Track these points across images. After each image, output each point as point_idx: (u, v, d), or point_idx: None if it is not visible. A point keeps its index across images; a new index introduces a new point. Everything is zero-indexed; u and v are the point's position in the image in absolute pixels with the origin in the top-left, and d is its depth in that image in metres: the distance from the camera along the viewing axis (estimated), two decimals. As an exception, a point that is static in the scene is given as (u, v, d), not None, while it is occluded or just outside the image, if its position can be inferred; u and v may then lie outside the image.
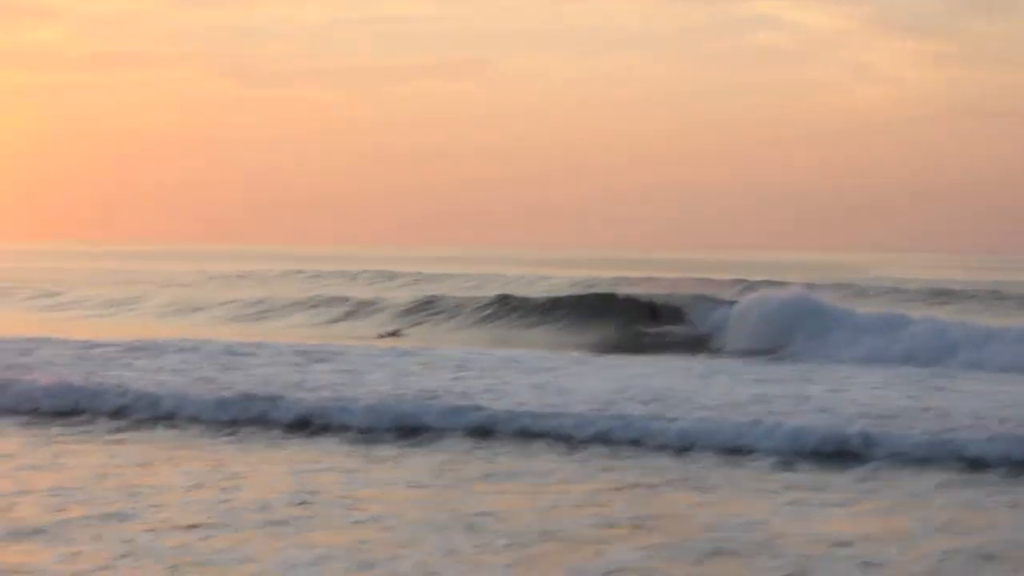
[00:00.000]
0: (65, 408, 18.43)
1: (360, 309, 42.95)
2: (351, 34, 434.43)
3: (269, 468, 14.33)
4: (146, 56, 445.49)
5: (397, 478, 13.78)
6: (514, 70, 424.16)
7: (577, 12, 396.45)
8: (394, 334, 37.15)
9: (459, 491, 12.97)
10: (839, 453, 15.53)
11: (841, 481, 14.04)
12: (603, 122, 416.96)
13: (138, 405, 18.38)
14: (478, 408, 17.68)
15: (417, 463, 14.77)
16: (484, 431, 16.78)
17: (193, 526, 11.04)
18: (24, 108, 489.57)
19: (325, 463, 14.66)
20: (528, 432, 16.63)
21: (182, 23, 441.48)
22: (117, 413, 18.18)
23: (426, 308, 41.63)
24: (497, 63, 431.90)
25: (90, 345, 26.00)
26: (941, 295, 50.44)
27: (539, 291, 48.80)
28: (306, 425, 17.41)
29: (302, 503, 12.18)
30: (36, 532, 10.71)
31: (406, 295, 46.74)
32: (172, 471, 13.93)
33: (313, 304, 44.80)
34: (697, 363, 26.39)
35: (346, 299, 45.59)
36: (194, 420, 17.83)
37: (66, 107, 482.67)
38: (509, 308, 40.13)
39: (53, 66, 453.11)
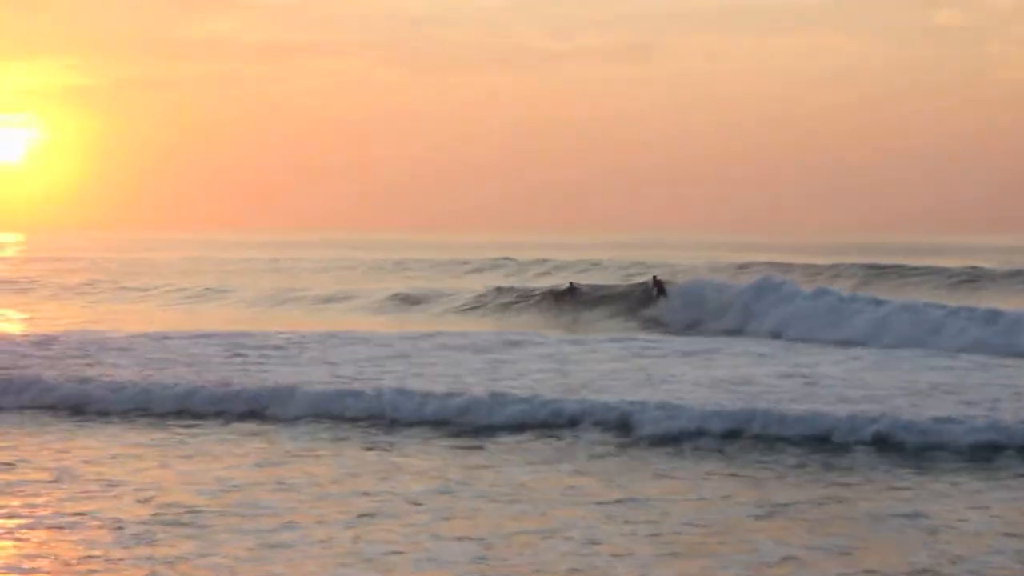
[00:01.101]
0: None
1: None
2: (525, 18, 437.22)
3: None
4: (320, 44, 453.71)
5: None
6: (689, 51, 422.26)
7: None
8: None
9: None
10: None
11: None
12: (782, 102, 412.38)
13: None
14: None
15: None
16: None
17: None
18: (200, 97, 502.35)
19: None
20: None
21: (356, 11, 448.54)
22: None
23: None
24: (672, 45, 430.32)
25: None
26: None
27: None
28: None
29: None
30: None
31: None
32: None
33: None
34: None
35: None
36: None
37: (241, 96, 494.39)
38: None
39: (229, 55, 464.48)
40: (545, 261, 69.72)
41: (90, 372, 22.74)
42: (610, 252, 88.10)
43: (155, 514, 12.73)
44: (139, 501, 13.34)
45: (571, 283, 45.53)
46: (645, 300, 40.27)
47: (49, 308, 45.02)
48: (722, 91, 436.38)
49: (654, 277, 42.08)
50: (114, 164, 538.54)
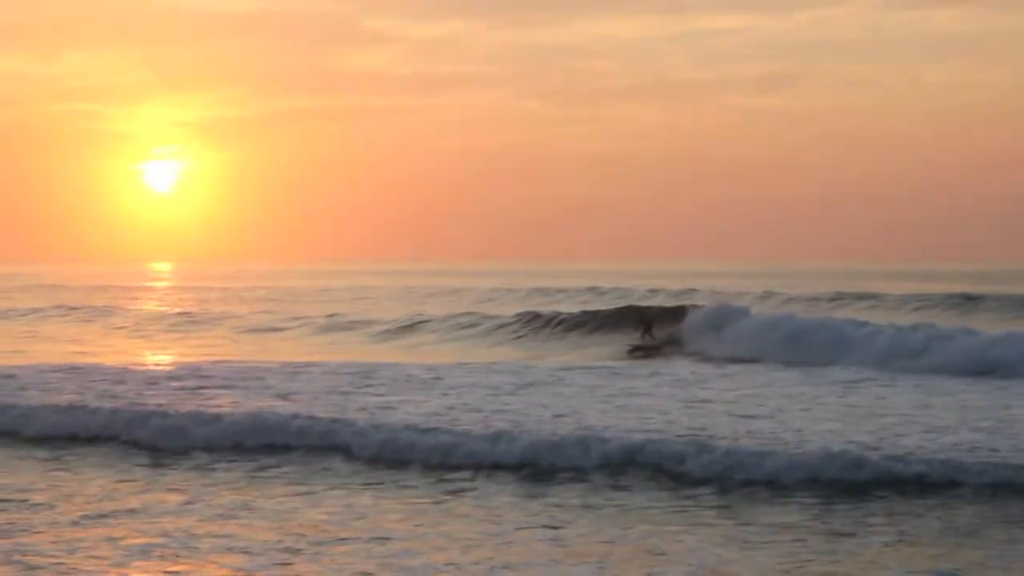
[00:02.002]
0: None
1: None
2: (666, 49, 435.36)
3: None
4: (469, 77, 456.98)
5: None
6: (832, 81, 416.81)
7: (897, 21, 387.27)
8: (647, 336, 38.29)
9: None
10: None
11: None
12: (932, 130, 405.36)
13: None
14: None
15: None
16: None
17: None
18: (350, 129, 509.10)
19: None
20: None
21: (502, 44, 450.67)
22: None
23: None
24: (814, 75, 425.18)
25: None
26: None
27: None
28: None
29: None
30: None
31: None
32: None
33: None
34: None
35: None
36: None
37: (392, 128, 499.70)
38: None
39: (379, 88, 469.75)
40: (693, 291, 66.03)
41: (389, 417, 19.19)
42: (745, 281, 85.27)
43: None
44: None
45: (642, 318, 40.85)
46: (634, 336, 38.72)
47: (275, 344, 41.91)
48: (869, 120, 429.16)
49: (642, 317, 40.15)
50: (264, 195, 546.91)
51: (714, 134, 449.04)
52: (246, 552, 11.23)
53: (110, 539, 11.74)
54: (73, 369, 26.42)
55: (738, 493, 14.08)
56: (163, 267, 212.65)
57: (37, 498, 13.80)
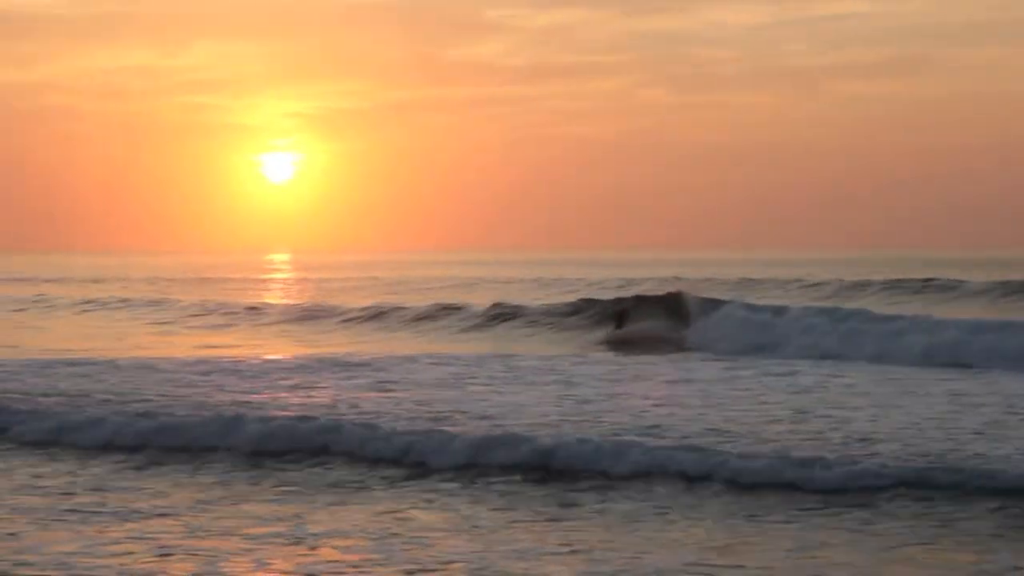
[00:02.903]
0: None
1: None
2: (785, 36, 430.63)
3: None
4: (584, 66, 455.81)
5: None
6: (958, 65, 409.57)
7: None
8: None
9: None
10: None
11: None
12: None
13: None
14: None
15: None
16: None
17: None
18: (466, 119, 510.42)
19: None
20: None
21: (620, 33, 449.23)
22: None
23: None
24: (938, 60, 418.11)
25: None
26: None
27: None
28: None
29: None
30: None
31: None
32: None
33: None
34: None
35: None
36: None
37: (508, 118, 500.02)
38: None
39: (497, 79, 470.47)
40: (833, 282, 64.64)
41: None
42: (859, 269, 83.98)
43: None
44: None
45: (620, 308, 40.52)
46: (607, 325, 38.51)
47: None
48: (997, 106, 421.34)
49: (623, 308, 39.75)
50: (379, 185, 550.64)
51: (834, 121, 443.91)
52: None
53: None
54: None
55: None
56: (281, 257, 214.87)
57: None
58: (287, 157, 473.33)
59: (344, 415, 19.26)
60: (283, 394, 22.65)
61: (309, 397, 22.06)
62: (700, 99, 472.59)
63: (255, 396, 22.18)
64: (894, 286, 58.02)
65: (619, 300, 43.14)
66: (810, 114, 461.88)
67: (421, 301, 52.41)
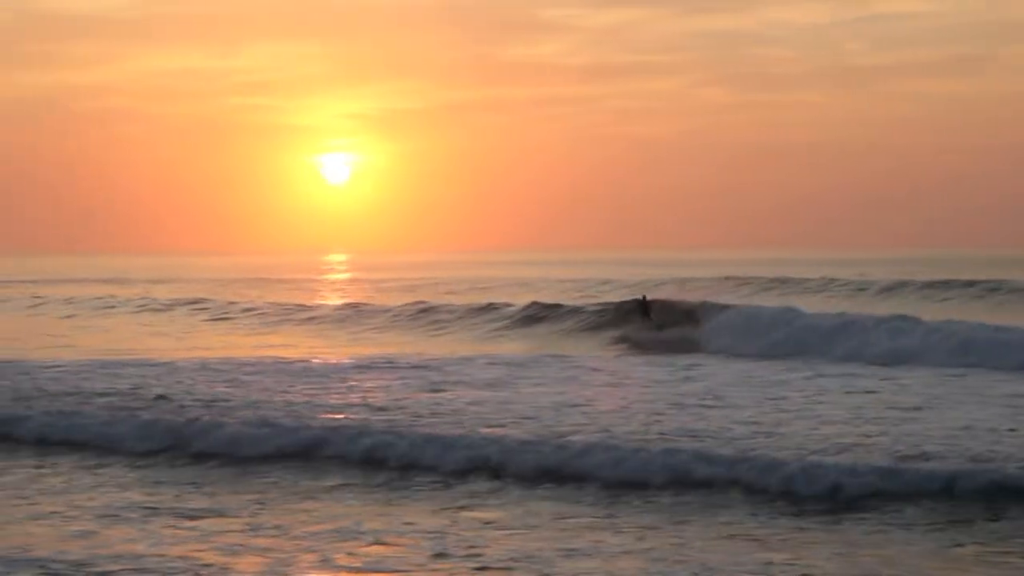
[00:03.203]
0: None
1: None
2: (845, 35, 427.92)
3: None
4: (642, 66, 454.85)
5: None
6: (1021, 64, 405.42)
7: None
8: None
9: None
10: None
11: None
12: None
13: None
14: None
15: None
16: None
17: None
18: (523, 119, 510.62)
19: None
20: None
21: (678, 32, 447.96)
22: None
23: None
24: (1001, 58, 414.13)
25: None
26: None
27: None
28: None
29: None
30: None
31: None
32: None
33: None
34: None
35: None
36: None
37: (566, 117, 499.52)
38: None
39: (555, 78, 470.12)
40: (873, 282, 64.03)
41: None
42: (909, 268, 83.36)
43: None
44: None
45: (644, 296, 41.16)
46: (631, 318, 39.03)
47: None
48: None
49: (643, 296, 40.45)
50: (436, 185, 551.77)
51: (894, 120, 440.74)
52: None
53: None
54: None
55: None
56: (339, 258, 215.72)
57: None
58: (344, 158, 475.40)
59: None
60: (366, 396, 22.98)
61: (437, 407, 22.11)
62: (758, 98, 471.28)
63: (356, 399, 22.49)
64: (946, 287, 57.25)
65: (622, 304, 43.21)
66: (870, 113, 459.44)
67: (475, 300, 52.63)
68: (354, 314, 50.02)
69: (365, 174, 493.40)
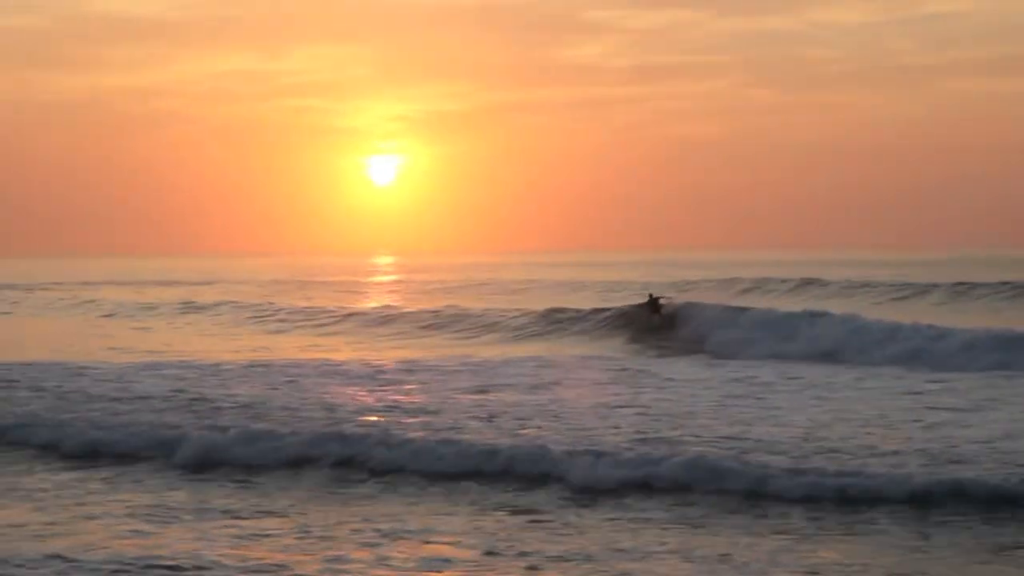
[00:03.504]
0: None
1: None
2: (891, 34, 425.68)
3: None
4: (687, 67, 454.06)
5: None
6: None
7: None
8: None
9: None
10: None
11: None
12: None
13: None
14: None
15: None
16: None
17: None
18: (567, 120, 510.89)
19: None
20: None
21: (723, 32, 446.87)
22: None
23: None
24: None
25: None
26: None
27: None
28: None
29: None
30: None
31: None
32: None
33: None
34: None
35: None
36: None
37: (610, 119, 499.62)
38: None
39: (600, 80, 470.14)
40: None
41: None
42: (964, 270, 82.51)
43: None
44: None
45: (651, 295, 41.07)
46: (642, 319, 39.29)
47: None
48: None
49: (650, 295, 40.56)
50: (482, 187, 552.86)
51: (943, 120, 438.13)
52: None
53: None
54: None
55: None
56: (385, 260, 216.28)
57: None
58: (391, 160, 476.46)
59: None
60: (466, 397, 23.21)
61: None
62: (805, 99, 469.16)
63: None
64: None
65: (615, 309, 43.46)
66: (918, 113, 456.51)
67: (527, 304, 52.06)
68: (396, 316, 49.77)
69: (410, 175, 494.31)
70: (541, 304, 50.23)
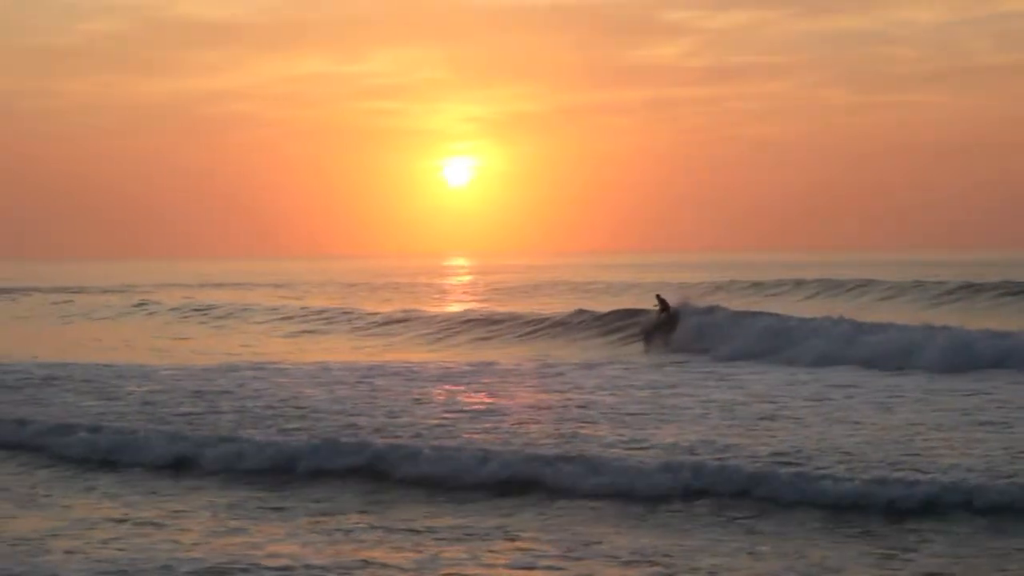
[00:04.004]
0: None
1: None
2: (969, 33, 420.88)
3: None
4: (762, 67, 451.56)
5: None
6: None
7: None
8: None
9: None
10: None
11: None
12: None
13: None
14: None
15: None
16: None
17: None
18: (643, 121, 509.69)
19: None
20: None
21: (800, 32, 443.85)
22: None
23: None
24: None
25: None
26: None
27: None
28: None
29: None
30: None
31: None
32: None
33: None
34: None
35: None
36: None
37: (684, 119, 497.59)
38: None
39: (672, 80, 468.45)
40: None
41: None
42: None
43: None
44: None
45: (658, 296, 40.82)
46: (651, 318, 39.67)
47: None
48: None
49: (658, 296, 40.51)
50: (557, 188, 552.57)
51: (1019, 119, 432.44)
52: None
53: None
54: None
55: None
56: (460, 262, 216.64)
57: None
58: (465, 161, 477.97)
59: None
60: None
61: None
62: (881, 99, 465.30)
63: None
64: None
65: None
66: (993, 112, 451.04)
67: (607, 305, 51.44)
68: (471, 321, 48.57)
69: (485, 177, 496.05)
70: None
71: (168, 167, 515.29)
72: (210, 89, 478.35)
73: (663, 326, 38.17)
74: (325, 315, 55.15)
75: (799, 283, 67.57)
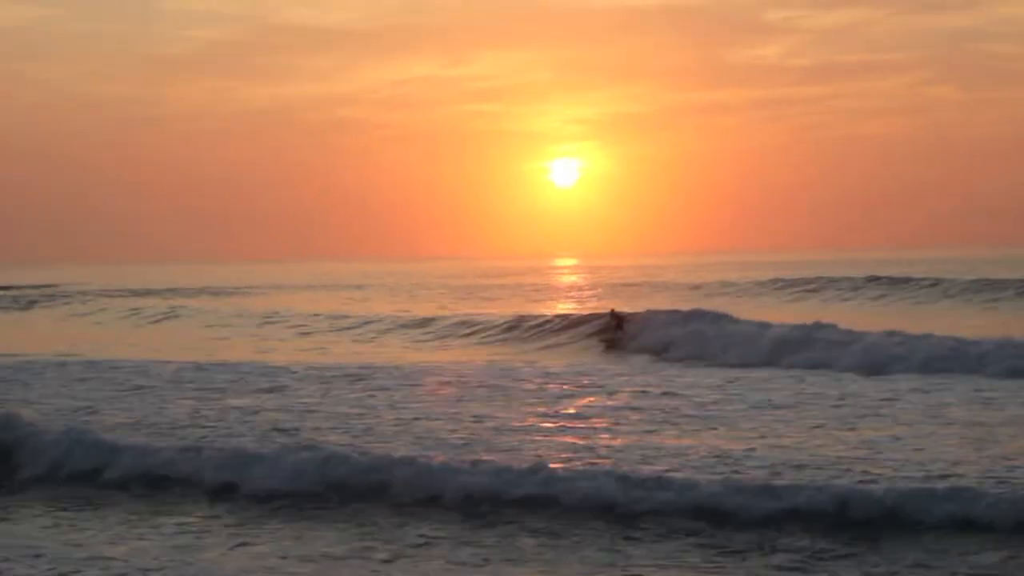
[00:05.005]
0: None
1: None
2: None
3: None
4: (868, 65, 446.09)
5: None
6: None
7: None
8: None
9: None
10: None
11: None
12: None
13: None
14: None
15: None
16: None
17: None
18: (747, 121, 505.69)
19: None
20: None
21: (907, 30, 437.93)
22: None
23: None
24: None
25: None
26: None
27: None
28: None
29: None
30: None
31: None
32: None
33: None
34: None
35: None
36: None
37: (789, 119, 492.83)
38: None
39: (777, 80, 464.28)
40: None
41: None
42: None
43: None
44: None
45: (613, 311, 41.33)
46: (605, 332, 39.96)
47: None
48: None
49: (612, 310, 40.96)
50: (663, 188, 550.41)
51: None
52: None
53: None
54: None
55: None
56: (568, 262, 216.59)
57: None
58: (571, 163, 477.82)
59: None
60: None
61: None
62: (989, 95, 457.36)
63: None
64: None
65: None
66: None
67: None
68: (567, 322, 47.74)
69: (591, 178, 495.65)
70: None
71: (273, 172, 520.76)
72: (317, 95, 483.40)
73: (615, 335, 38.87)
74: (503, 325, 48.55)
75: (897, 281, 66.75)
